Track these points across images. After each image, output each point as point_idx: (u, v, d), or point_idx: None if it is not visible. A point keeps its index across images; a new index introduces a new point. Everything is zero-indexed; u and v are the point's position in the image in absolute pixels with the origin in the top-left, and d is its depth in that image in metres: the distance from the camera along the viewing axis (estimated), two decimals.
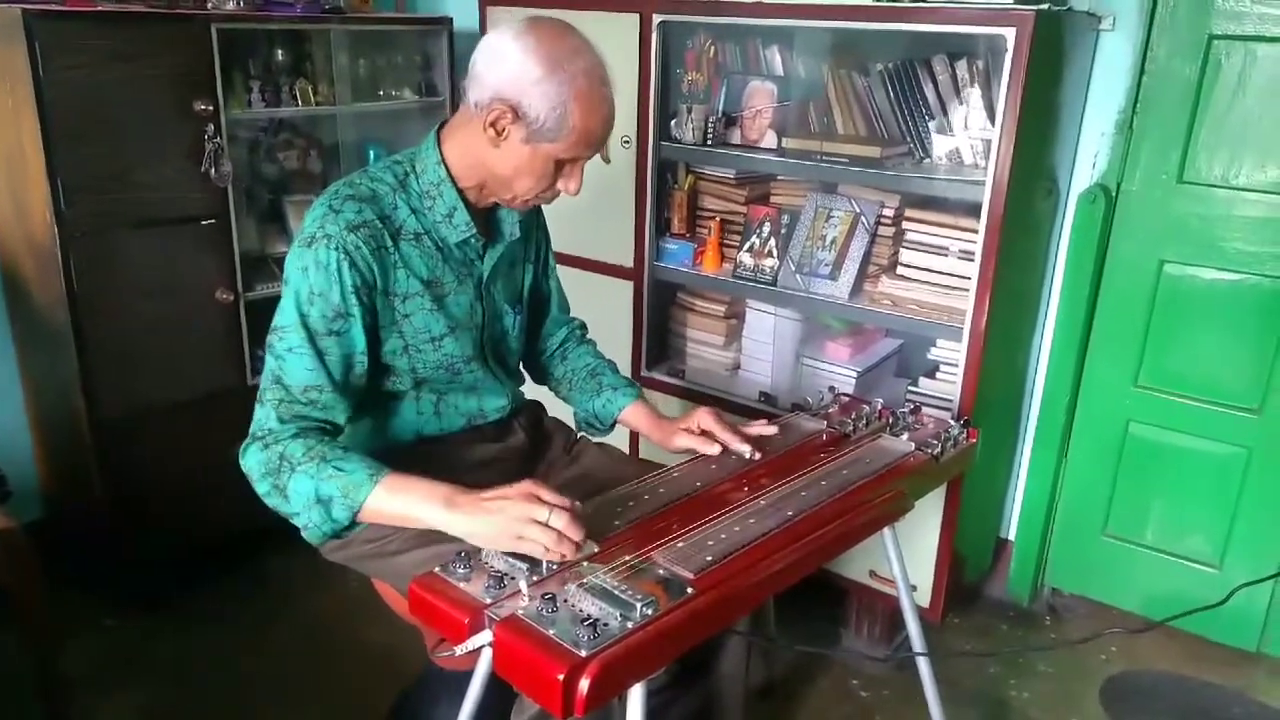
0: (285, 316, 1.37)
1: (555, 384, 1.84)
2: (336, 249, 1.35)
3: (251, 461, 1.37)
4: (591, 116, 1.37)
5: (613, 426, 1.75)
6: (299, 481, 1.33)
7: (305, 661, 2.28)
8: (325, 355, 1.37)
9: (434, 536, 1.40)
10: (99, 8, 2.17)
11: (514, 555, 1.20)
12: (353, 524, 1.34)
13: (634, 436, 2.36)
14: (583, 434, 1.81)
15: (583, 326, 1.87)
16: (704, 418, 1.59)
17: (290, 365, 1.37)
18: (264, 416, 1.37)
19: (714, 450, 1.56)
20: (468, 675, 1.38)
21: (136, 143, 2.19)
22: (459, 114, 1.45)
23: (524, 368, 1.83)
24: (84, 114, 2.10)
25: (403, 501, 1.30)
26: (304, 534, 1.37)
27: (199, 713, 2.12)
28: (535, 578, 1.16)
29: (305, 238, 1.37)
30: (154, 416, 2.35)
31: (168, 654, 2.29)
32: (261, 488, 1.37)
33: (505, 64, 1.34)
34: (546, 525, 1.20)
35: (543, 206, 1.72)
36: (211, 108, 2.28)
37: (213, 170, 2.30)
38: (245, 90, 2.45)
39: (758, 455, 1.54)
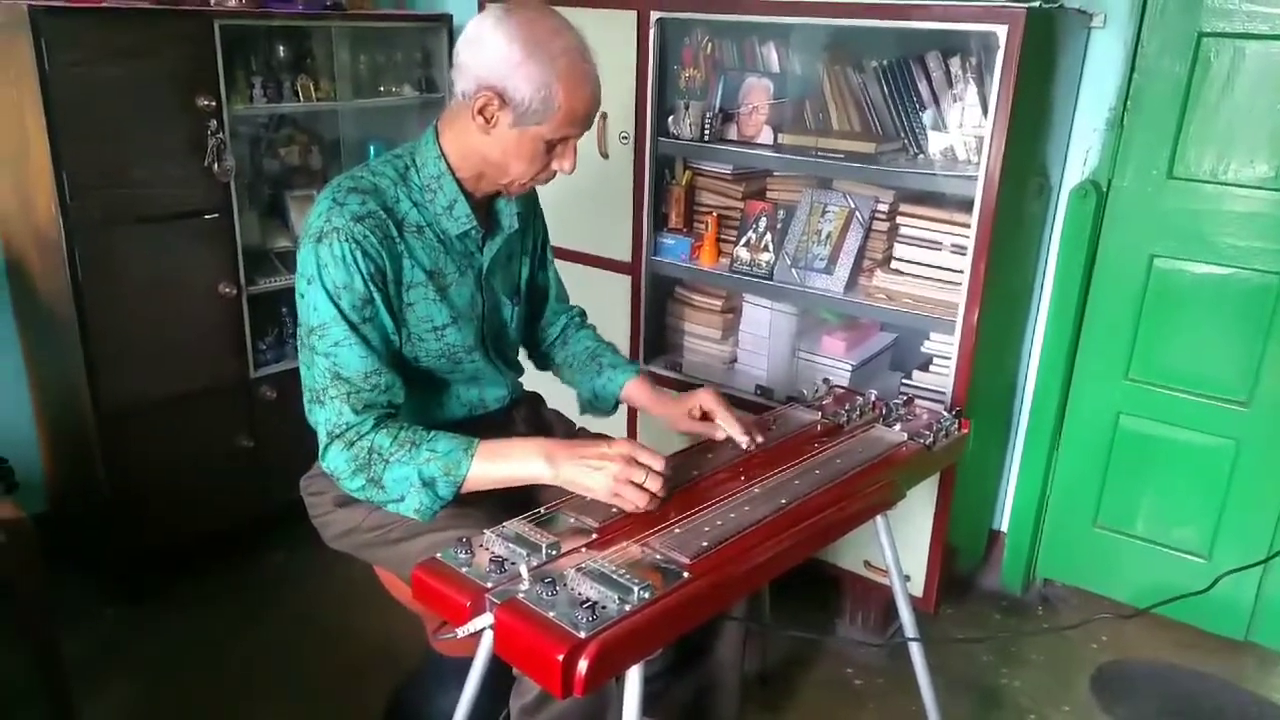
0: (321, 315, 1.39)
1: (557, 369, 1.86)
2: (346, 240, 1.37)
3: (339, 461, 1.40)
4: (576, 94, 1.39)
5: (616, 406, 1.78)
6: (396, 470, 1.37)
7: (305, 650, 2.31)
8: (370, 341, 1.41)
9: (435, 524, 1.44)
10: (104, 4, 2.18)
11: (514, 540, 1.23)
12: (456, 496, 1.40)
13: (632, 425, 2.38)
14: (581, 425, 1.84)
15: (582, 313, 1.90)
16: (705, 398, 1.62)
17: (344, 358, 1.39)
18: (334, 414, 1.39)
19: (719, 436, 1.59)
20: (466, 663, 1.41)
21: (140, 137, 2.22)
22: (450, 106, 1.48)
23: (527, 356, 1.86)
24: (89, 109, 2.12)
25: (502, 466, 1.38)
26: (415, 515, 1.40)
27: (198, 700, 2.15)
28: (534, 562, 1.19)
29: (314, 234, 1.39)
30: (157, 408, 2.38)
31: (168, 642, 2.32)
32: (354, 484, 1.40)
33: (487, 51, 1.37)
34: (642, 486, 1.31)
35: (540, 202, 1.75)
36: (214, 103, 2.30)
37: (215, 165, 2.33)
38: (247, 86, 2.48)
39: (754, 444, 1.57)
